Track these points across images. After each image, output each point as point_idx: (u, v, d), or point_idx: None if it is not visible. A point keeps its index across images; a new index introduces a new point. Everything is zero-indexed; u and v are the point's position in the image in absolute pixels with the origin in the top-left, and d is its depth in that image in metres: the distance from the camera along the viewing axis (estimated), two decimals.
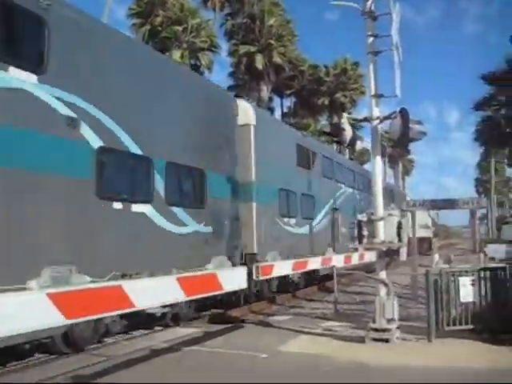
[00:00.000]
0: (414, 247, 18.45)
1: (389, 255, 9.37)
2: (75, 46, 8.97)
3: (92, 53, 9.37)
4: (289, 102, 51.87)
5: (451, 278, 9.72)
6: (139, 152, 10.36)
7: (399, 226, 9.65)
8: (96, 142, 9.23)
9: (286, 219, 17.47)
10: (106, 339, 10.72)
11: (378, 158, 9.89)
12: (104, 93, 9.62)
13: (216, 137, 13.41)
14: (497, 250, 25.97)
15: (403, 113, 9.34)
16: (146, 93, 10.79)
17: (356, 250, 9.77)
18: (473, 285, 9.72)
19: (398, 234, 9.64)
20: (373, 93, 9.90)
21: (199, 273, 10.23)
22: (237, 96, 18.29)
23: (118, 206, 9.66)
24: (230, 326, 12.38)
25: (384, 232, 9.68)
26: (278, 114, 51.57)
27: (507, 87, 21.54)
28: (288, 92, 49.03)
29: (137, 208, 10.08)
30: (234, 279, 10.93)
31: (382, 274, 9.74)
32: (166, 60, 16.15)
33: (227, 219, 13.58)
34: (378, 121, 9.85)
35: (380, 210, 9.74)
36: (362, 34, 9.87)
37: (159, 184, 10.83)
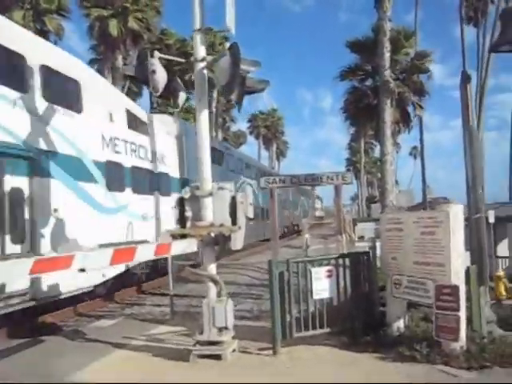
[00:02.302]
0: (275, 229, 16.41)
1: (219, 243, 6.75)
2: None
3: None
4: None
5: (302, 269, 7.47)
6: None
7: (233, 204, 7.18)
8: None
9: None
10: None
11: (205, 114, 7.28)
12: None
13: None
14: (365, 229, 25.57)
15: (233, 50, 6.80)
16: None
17: (183, 236, 7.06)
18: (329, 276, 7.54)
19: (233, 215, 7.16)
20: (197, 26, 7.25)
21: None
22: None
23: None
24: (27, 340, 9.34)
25: (213, 212, 7.17)
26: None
27: (372, 56, 20.02)
28: None
29: None
30: None
31: (211, 269, 7.23)
32: None
33: None
34: (203, 63, 7.24)
35: (208, 183, 7.19)
36: None
37: None
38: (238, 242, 7.10)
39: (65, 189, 11.95)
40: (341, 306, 7.71)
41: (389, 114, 17.45)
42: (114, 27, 30.64)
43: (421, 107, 21.24)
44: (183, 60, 7.69)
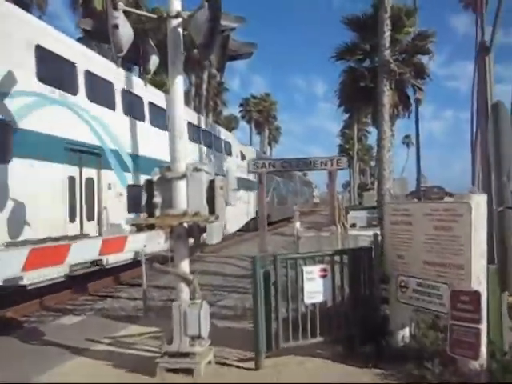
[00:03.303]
0: (263, 217, 15.27)
1: (194, 235, 5.53)
2: None
3: None
4: None
5: (291, 266, 6.30)
6: None
7: (211, 189, 5.98)
8: None
9: None
10: None
11: (179, 81, 6.03)
12: None
13: None
14: (357, 217, 24.97)
15: (212, 1, 5.52)
16: None
17: (147, 227, 5.81)
18: (324, 276, 6.38)
19: (211, 202, 5.97)
20: None
21: None
22: None
23: None
24: None
25: (188, 198, 5.96)
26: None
27: (371, 34, 18.74)
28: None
29: None
30: None
31: (184, 266, 6.04)
32: None
33: None
34: (178, 20, 5.98)
35: (181, 163, 5.97)
36: None
37: None
38: (214, 234, 5.92)
39: (118, 179, 14.83)
40: (336, 311, 6.56)
41: (387, 96, 16.26)
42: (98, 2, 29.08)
43: (421, 90, 20.02)
44: (154, 16, 6.42)
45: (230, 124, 77.11)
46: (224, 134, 29.66)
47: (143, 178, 6.67)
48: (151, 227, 5.92)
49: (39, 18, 29.27)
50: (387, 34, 16.60)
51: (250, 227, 30.12)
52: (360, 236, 14.62)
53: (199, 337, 5.90)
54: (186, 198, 5.97)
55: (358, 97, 20.71)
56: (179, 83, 6.01)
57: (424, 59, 20.69)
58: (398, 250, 6.51)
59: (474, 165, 18.57)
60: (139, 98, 16.94)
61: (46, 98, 11.67)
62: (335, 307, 6.53)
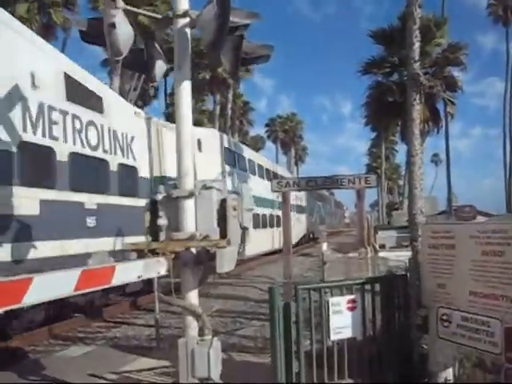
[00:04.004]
0: (288, 240, 14.41)
1: (203, 262, 4.75)
2: None
3: None
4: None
5: (315, 297, 5.49)
6: None
7: (223, 209, 5.23)
8: None
9: None
10: None
11: (186, 87, 5.33)
12: None
13: None
14: (387, 237, 24.03)
15: None
16: None
17: (145, 252, 5.04)
18: (352, 309, 5.55)
19: (223, 224, 5.22)
20: None
21: None
22: None
23: None
24: None
25: (196, 219, 5.22)
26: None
27: (398, 47, 17.99)
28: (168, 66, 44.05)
29: None
30: None
31: (192, 297, 5.27)
32: None
33: None
34: (186, 19, 5.31)
35: (188, 180, 5.24)
36: None
37: None
38: (226, 261, 5.15)
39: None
40: (368, 349, 5.71)
41: (417, 110, 15.37)
42: None
43: (452, 103, 19.08)
44: (159, 16, 5.77)
45: (257, 144, 76.62)
46: (270, 165, 33.00)
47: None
48: (154, 252, 5.18)
49: (64, 40, 29.34)
50: (416, 45, 15.72)
51: (303, 241, 40.75)
52: (391, 258, 13.73)
53: (208, 379, 5.11)
54: (194, 219, 5.24)
55: (385, 112, 19.86)
56: (187, 89, 5.30)
57: (454, 72, 19.79)
58: (438, 277, 5.65)
59: (506, 182, 17.53)
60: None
61: None
62: (366, 344, 5.68)
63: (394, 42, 18.33)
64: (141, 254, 5.45)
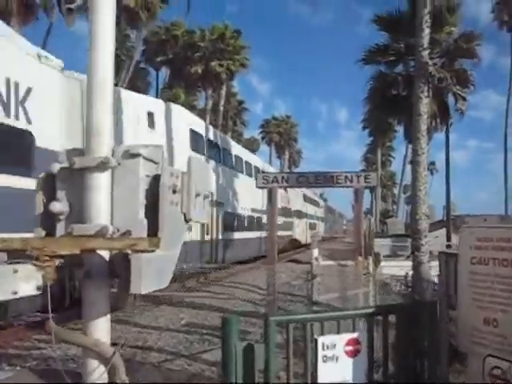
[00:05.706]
0: (272, 245, 12.52)
1: (120, 274, 2.69)
2: None
3: None
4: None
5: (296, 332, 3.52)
6: None
7: (155, 191, 3.25)
8: None
9: None
10: None
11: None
12: None
13: None
14: (383, 245, 23.06)
15: None
16: None
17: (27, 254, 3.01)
18: (354, 354, 3.58)
19: (153, 214, 3.24)
20: None
21: None
22: None
23: None
24: None
25: (113, 204, 3.24)
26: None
27: (406, 33, 16.17)
28: (159, 59, 42.49)
29: None
30: None
31: (99, 330, 3.25)
32: None
33: None
34: None
35: (101, 143, 3.26)
36: None
37: None
38: (149, 275, 3.13)
39: None
40: None
41: (425, 104, 13.49)
42: None
43: (464, 99, 17.19)
44: None
45: (251, 146, 74.96)
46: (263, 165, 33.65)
47: None
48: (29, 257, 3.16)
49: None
50: (426, 31, 13.96)
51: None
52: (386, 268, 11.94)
53: None
54: (108, 205, 3.26)
55: (388, 107, 17.96)
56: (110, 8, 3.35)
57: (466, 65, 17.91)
58: (485, 309, 3.70)
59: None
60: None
61: None
62: None
63: (401, 28, 16.45)
64: (15, 255, 3.27)
